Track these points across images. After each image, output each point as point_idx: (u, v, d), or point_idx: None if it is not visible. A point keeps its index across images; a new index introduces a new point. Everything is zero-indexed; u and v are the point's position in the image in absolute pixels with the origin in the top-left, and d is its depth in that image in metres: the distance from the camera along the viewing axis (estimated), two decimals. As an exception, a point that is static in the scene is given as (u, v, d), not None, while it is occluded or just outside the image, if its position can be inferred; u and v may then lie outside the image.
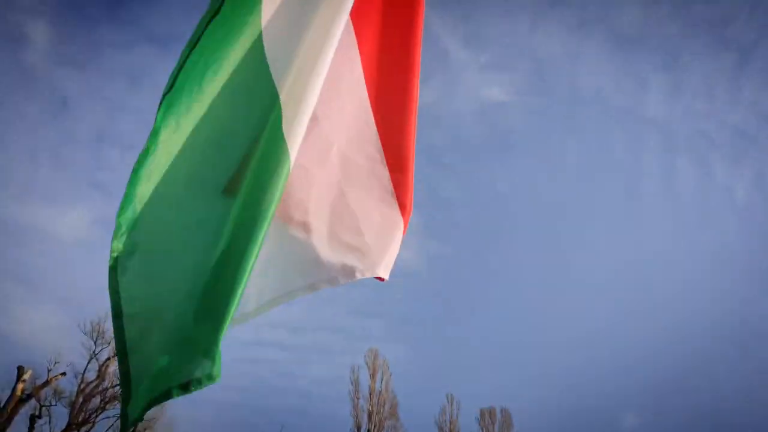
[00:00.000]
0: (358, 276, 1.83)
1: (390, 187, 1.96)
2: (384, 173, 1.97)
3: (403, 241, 1.94)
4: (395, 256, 1.91)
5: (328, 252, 1.83)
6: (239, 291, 1.52)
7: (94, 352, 16.45)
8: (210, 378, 1.47)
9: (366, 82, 1.98)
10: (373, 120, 1.98)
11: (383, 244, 1.90)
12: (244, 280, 1.53)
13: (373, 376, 21.02)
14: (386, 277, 1.87)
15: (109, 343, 16.44)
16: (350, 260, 1.84)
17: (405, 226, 1.96)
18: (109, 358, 16.38)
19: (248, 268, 1.53)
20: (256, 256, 1.56)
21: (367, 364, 21.23)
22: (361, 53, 1.98)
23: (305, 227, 1.84)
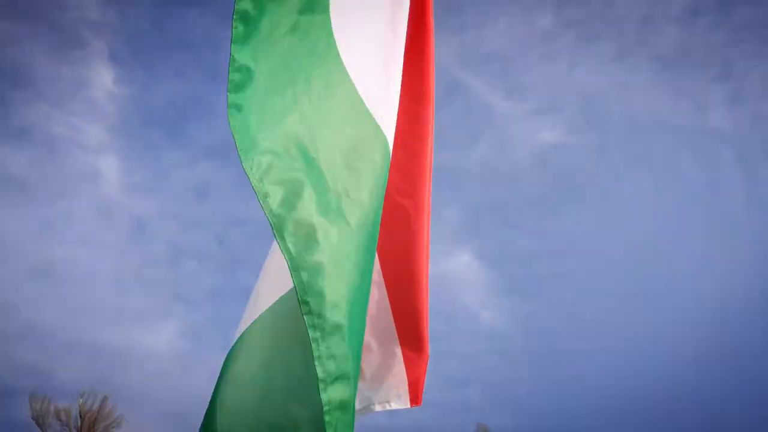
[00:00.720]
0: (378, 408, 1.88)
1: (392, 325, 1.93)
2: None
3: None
4: (407, 384, 1.91)
5: None
6: None
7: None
8: None
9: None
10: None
11: (381, 376, 1.89)
12: None
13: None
14: (409, 405, 1.91)
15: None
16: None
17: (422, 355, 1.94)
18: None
19: None
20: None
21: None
22: None
23: None
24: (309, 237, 1.29)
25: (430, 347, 1.92)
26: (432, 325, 2.04)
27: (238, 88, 1.32)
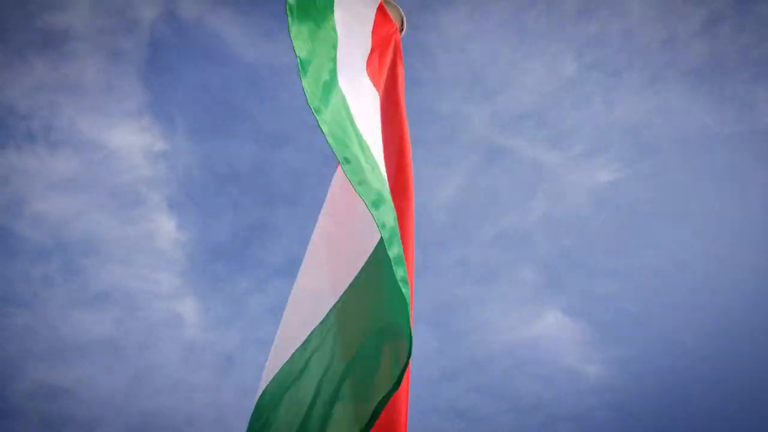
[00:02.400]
0: None
1: None
2: None
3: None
4: None
5: None
6: None
7: None
8: None
9: None
10: None
11: None
12: None
13: None
14: None
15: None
16: None
17: None
18: None
19: None
20: None
21: None
22: None
23: None
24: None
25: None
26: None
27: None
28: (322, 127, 1.45)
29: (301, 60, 1.56)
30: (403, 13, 2.04)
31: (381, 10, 1.96)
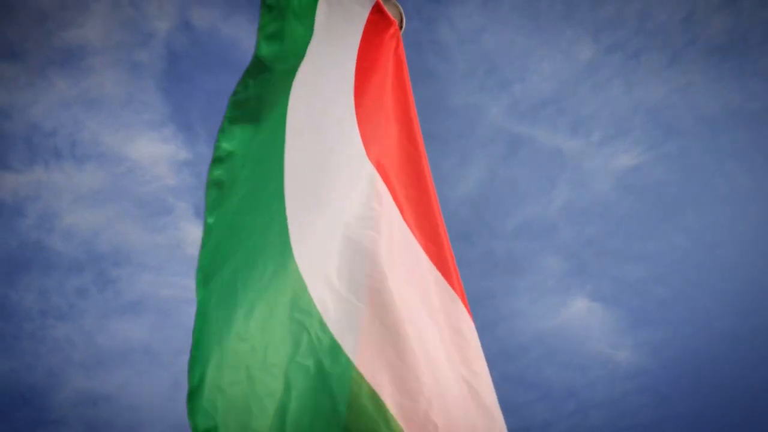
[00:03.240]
0: None
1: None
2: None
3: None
4: None
5: None
6: None
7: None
8: None
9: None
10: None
11: None
12: None
13: None
14: None
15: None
16: None
17: None
18: None
19: None
20: None
21: None
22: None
23: None
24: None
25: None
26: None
27: (203, 246, 1.52)
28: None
29: (259, 57, 1.59)
30: (402, 10, 2.04)
31: (377, 7, 1.95)
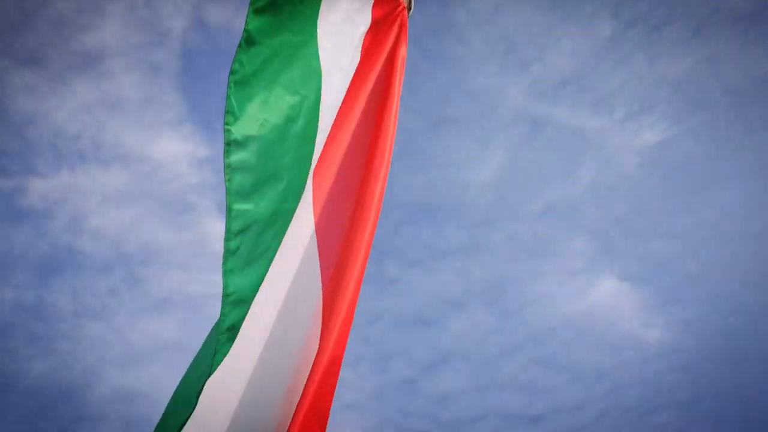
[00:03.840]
0: None
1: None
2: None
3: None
4: None
5: None
6: None
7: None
8: None
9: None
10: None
11: None
12: None
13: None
14: None
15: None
16: None
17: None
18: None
19: None
20: None
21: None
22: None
23: None
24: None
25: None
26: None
27: (237, 233, 1.53)
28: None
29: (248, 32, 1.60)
30: None
31: None
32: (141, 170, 5.44)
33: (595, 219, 7.49)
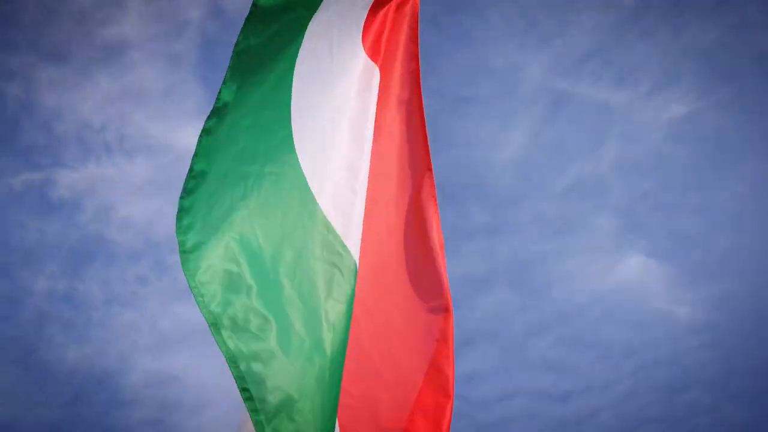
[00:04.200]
0: None
1: None
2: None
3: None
4: None
5: None
6: None
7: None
8: None
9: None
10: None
11: None
12: None
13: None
14: None
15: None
16: None
17: None
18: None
19: None
20: None
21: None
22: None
23: None
24: (245, 328, 1.38)
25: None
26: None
27: (190, 192, 1.49)
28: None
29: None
30: None
31: None
32: (165, 160, 5.51)
33: (622, 195, 7.39)
